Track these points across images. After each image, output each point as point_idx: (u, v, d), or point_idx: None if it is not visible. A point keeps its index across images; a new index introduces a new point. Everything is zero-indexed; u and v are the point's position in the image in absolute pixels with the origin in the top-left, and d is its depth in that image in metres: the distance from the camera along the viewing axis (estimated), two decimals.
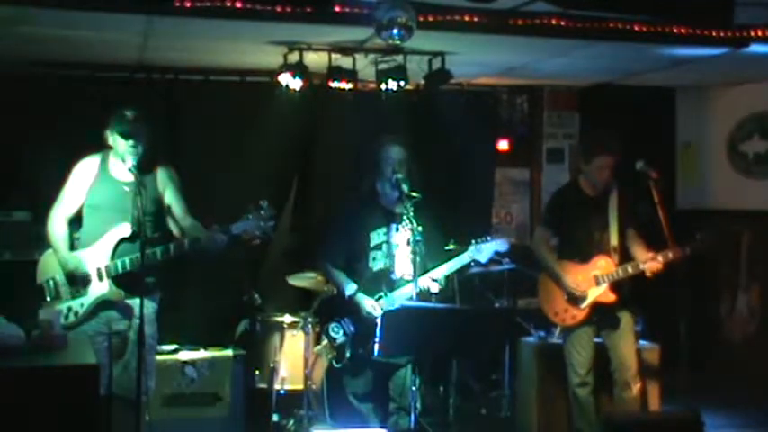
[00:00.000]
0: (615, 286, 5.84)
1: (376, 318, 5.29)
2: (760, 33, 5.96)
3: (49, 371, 3.92)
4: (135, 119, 5.08)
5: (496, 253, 5.67)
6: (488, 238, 5.62)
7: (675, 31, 5.89)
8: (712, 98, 8.52)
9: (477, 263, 5.75)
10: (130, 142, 5.05)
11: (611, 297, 5.84)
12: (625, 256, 5.88)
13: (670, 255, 5.65)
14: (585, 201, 5.97)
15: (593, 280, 5.85)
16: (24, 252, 6.40)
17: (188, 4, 5.12)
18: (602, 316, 5.91)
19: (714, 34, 5.95)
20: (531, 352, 6.58)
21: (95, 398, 3.89)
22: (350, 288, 5.50)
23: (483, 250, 5.58)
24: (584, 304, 5.86)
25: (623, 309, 5.92)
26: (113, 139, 5.12)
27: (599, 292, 5.84)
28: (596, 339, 5.99)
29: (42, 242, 5.26)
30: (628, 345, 5.93)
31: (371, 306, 5.43)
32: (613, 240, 5.89)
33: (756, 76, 7.69)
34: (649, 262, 5.72)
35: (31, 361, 4.02)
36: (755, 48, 6.15)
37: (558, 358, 6.14)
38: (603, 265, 5.86)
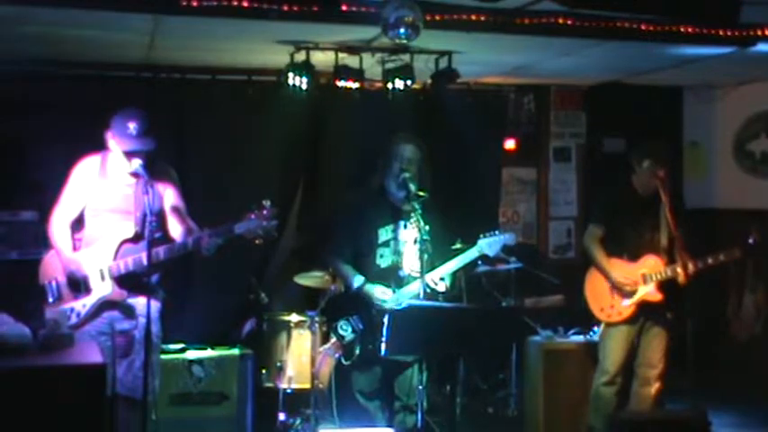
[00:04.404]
0: (662, 286, 5.85)
1: (386, 307, 5.29)
2: (767, 32, 5.95)
3: (55, 370, 3.93)
4: (139, 133, 4.96)
5: (504, 246, 5.69)
6: (496, 232, 5.66)
7: (682, 30, 5.87)
8: (719, 97, 8.50)
9: (486, 257, 5.76)
10: (135, 162, 4.97)
11: (658, 296, 5.86)
12: (673, 257, 5.88)
13: (721, 257, 5.72)
14: (638, 200, 5.99)
15: (641, 278, 5.86)
16: (31, 251, 6.42)
17: (195, 4, 5.11)
18: (647, 315, 5.92)
19: (721, 33, 5.93)
20: (537, 351, 6.57)
21: (102, 397, 3.90)
22: (357, 280, 5.50)
23: (491, 244, 5.60)
24: (632, 301, 5.87)
25: (668, 309, 5.93)
26: (115, 151, 5.06)
27: (647, 291, 5.85)
28: None
29: (49, 242, 5.26)
30: (660, 345, 5.97)
31: (382, 292, 5.43)
32: (663, 240, 5.90)
33: (763, 75, 7.68)
34: (697, 263, 5.70)
35: (37, 360, 4.03)
36: (762, 47, 6.13)
37: (564, 357, 6.13)
38: (652, 264, 5.88)
